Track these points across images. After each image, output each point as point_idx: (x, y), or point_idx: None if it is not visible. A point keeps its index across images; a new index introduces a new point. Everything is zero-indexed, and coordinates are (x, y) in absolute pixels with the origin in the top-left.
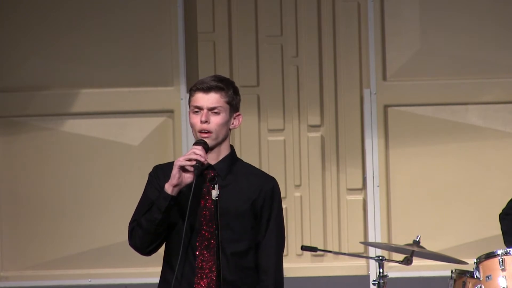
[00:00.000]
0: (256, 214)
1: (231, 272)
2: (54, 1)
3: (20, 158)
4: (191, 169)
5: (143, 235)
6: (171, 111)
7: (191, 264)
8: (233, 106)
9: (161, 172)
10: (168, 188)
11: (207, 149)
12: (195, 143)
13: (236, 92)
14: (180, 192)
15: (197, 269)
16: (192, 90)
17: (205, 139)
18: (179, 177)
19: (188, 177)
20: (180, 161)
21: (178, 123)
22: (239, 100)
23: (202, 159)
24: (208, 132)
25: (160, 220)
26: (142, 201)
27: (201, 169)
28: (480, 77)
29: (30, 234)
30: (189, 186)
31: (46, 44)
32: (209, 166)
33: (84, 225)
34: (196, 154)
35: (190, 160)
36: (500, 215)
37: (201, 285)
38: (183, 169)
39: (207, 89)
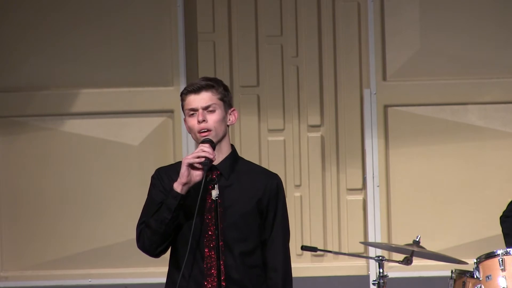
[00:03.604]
0: (262, 212)
1: (239, 271)
2: (54, 1)
3: (20, 158)
4: (200, 166)
5: (152, 236)
6: (171, 111)
7: (199, 265)
8: (226, 103)
9: (164, 174)
10: (178, 186)
11: (214, 147)
12: (202, 142)
13: (226, 89)
14: (187, 195)
15: (205, 269)
16: (183, 94)
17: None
18: (188, 175)
19: (197, 175)
20: (189, 159)
21: (178, 123)
22: (231, 97)
23: (211, 156)
24: (208, 130)
25: (170, 220)
26: (148, 203)
27: (210, 166)
28: (480, 77)
29: (30, 234)
30: (194, 187)
31: (46, 44)
32: (212, 166)
33: (84, 225)
34: (204, 151)
35: (198, 157)
36: (500, 217)
37: (210, 285)
38: (192, 166)
39: (197, 90)
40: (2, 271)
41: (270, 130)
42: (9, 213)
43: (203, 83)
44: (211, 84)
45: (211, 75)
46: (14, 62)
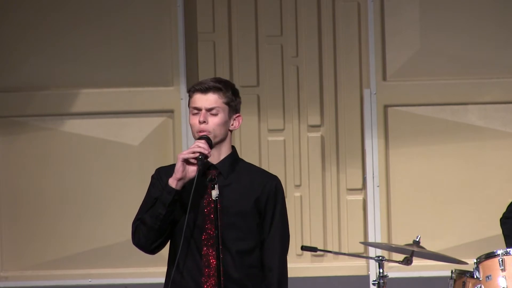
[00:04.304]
0: (260, 212)
1: (237, 270)
2: (54, 1)
3: (20, 158)
4: (195, 161)
5: (147, 232)
6: (171, 111)
7: (197, 262)
8: (232, 107)
9: (163, 174)
10: (172, 182)
11: (211, 144)
12: (198, 138)
13: (235, 93)
14: (183, 191)
15: (203, 267)
16: (190, 91)
17: None
18: (183, 171)
19: (192, 171)
20: (184, 154)
21: (178, 123)
22: (239, 102)
23: (206, 152)
24: (207, 132)
25: (164, 215)
26: (145, 201)
27: (204, 162)
28: (480, 77)
29: (30, 234)
30: (191, 184)
31: (46, 44)
32: (211, 165)
33: (84, 225)
34: (199, 147)
35: (193, 152)
36: (500, 219)
37: (209, 283)
38: (187, 162)
39: (205, 90)
40: (2, 271)
41: (270, 130)
42: (9, 213)
43: (212, 84)
44: (219, 86)
45: (211, 75)
46: (14, 62)
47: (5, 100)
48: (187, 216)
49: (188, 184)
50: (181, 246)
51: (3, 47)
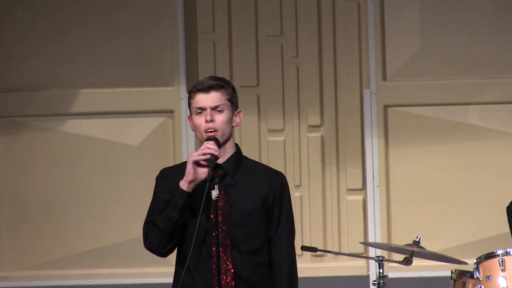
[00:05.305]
0: (268, 210)
1: (247, 269)
2: (54, 1)
3: (20, 158)
4: (206, 163)
5: (160, 235)
6: (171, 111)
7: (207, 264)
8: (234, 104)
9: (169, 174)
10: (184, 184)
11: (219, 145)
12: (206, 139)
13: (234, 90)
14: (192, 194)
15: (214, 268)
16: (191, 92)
17: None
18: (194, 173)
19: (203, 172)
20: (194, 156)
21: (178, 123)
22: (237, 98)
23: (216, 153)
24: (215, 130)
25: (177, 218)
26: (153, 203)
27: (215, 163)
28: (480, 77)
29: (30, 234)
30: (200, 187)
31: (46, 44)
32: (217, 165)
33: (84, 225)
34: (209, 148)
35: (204, 154)
36: (507, 208)
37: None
38: (197, 164)
39: (207, 89)
40: (2, 271)
41: (270, 130)
42: (9, 213)
43: (213, 82)
44: (221, 84)
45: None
46: (14, 62)
47: (5, 100)
48: (199, 217)
49: (197, 188)
50: (192, 249)
51: (3, 47)
